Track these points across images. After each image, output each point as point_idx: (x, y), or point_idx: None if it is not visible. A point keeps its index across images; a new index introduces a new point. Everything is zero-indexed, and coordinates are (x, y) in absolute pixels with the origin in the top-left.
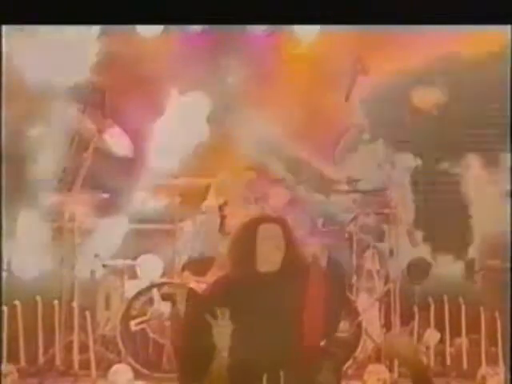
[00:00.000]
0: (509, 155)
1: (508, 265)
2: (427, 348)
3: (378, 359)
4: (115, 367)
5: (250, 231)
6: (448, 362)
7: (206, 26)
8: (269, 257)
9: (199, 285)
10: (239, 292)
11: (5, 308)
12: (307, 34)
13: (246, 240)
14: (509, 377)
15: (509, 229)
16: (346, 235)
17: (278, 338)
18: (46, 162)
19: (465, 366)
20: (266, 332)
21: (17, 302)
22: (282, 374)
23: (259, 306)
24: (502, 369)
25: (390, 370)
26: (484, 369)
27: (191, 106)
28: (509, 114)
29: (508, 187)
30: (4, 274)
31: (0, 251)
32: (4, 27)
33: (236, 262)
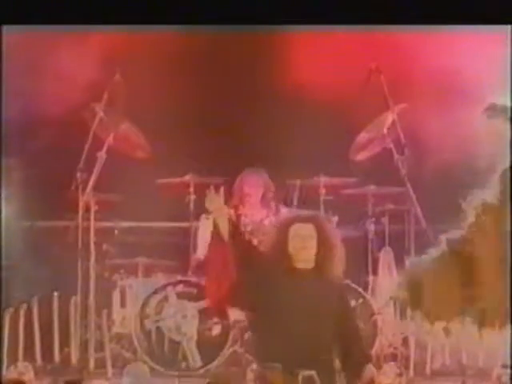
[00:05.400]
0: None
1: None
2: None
3: (394, 358)
4: (131, 365)
5: (281, 232)
6: (464, 360)
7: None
8: (301, 256)
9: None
10: (277, 285)
11: (24, 305)
12: None
13: (278, 241)
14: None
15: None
16: (361, 233)
17: (313, 336)
18: (60, 161)
19: (480, 364)
20: (301, 328)
21: (33, 300)
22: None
23: (296, 301)
24: None
25: (406, 369)
26: (499, 368)
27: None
28: (509, 115)
29: None
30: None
31: (0, 252)
32: (4, 27)
33: (272, 261)
